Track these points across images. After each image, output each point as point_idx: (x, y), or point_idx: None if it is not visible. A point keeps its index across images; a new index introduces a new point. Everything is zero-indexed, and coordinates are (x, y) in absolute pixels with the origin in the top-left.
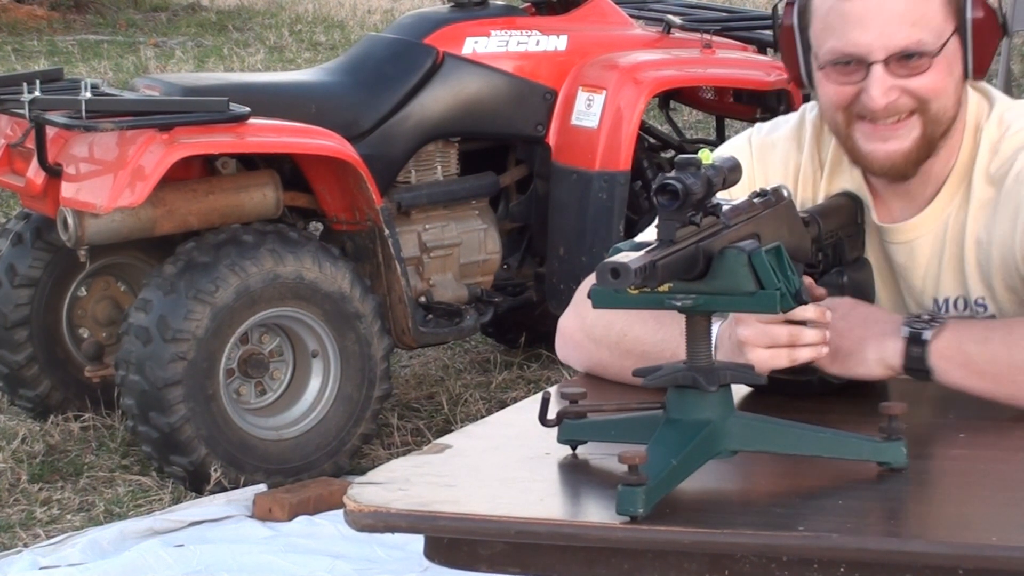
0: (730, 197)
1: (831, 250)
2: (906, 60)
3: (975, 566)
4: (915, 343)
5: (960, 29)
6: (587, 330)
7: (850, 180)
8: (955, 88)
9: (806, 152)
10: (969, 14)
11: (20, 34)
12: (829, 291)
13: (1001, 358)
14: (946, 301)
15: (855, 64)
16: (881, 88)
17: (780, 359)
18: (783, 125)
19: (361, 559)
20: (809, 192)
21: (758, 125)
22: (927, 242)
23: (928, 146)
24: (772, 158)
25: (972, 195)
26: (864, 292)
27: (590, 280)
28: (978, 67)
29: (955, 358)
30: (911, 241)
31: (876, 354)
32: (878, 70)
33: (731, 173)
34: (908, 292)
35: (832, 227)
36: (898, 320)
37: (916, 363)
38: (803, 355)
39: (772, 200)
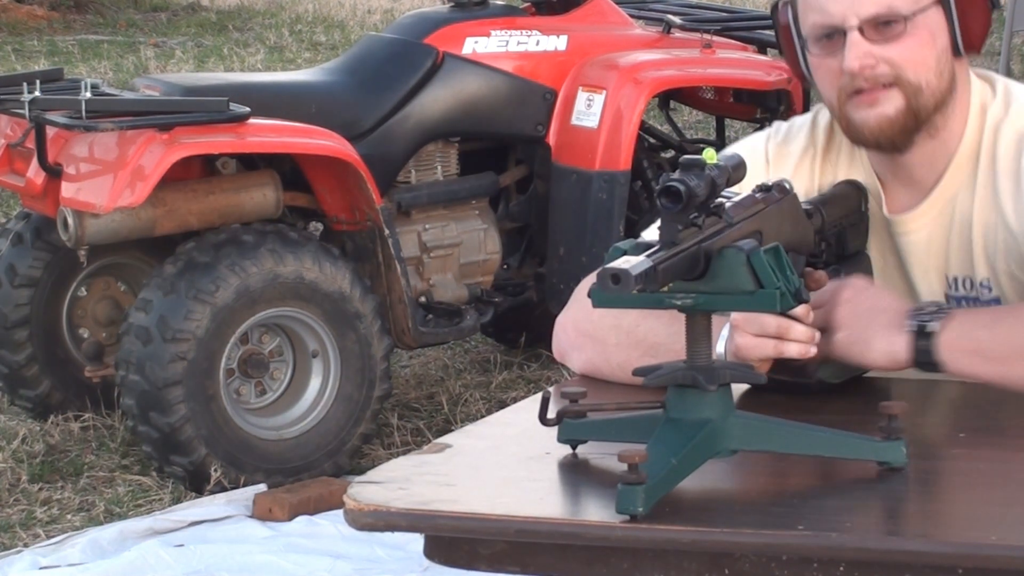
0: (734, 191)
1: (834, 239)
2: (881, 27)
3: (975, 565)
4: (922, 336)
5: (943, 0)
6: (592, 324)
7: (862, 174)
8: (938, 61)
9: (819, 151)
10: None
11: (20, 34)
12: None
13: (1011, 341)
14: (955, 279)
15: (836, 36)
16: (856, 52)
17: (766, 348)
18: (797, 129)
19: (361, 559)
20: (829, 176)
21: (776, 125)
22: (934, 228)
23: (915, 117)
24: (786, 164)
25: (978, 177)
26: None
27: (590, 278)
28: (969, 41)
29: (965, 346)
30: (918, 230)
31: (883, 346)
32: (854, 36)
33: (735, 171)
34: (922, 278)
35: (835, 216)
36: (903, 311)
37: (924, 356)
38: (790, 350)
39: (775, 195)
